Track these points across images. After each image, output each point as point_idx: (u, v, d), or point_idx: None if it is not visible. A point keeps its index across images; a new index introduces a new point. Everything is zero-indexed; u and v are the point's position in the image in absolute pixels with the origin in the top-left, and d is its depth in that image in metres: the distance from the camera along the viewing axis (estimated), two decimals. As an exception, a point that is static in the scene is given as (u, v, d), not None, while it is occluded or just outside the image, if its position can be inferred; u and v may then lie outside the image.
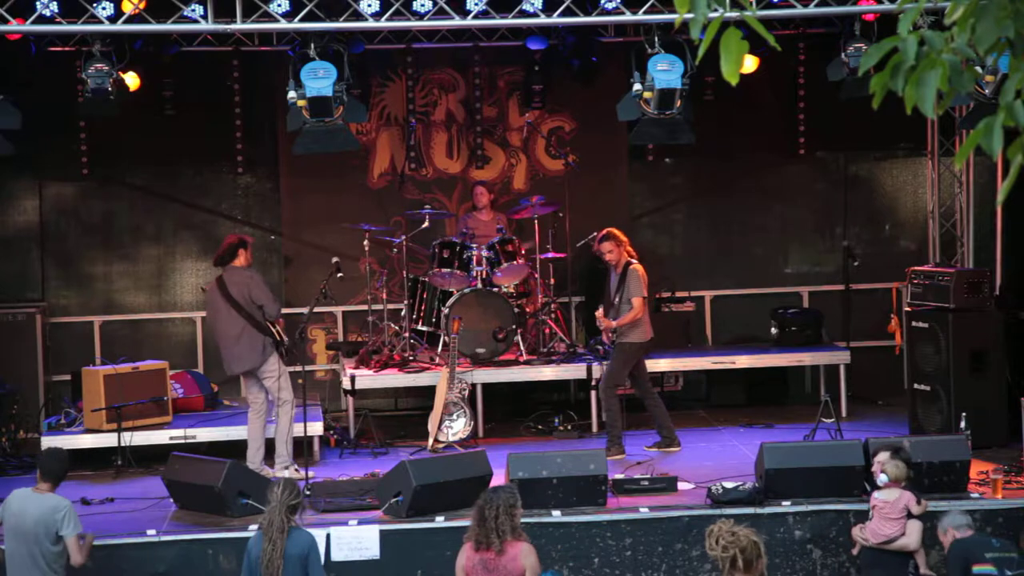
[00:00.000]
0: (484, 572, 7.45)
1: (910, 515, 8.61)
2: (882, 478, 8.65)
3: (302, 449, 10.64)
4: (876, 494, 8.72)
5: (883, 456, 8.72)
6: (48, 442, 11.19)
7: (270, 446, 11.07)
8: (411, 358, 12.85)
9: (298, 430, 10.79)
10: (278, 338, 10.93)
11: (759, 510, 9.39)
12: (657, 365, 12.62)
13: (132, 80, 12.33)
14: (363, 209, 13.81)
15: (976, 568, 7.84)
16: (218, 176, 14.12)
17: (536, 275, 13.17)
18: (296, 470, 10.71)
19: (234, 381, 13.86)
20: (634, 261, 11.43)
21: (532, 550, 7.60)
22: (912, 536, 8.60)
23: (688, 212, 14.53)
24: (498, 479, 9.50)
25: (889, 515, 8.62)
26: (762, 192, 14.48)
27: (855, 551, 9.01)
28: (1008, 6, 3.84)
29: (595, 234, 13.26)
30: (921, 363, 11.64)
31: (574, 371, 12.72)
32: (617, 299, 11.36)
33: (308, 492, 10.06)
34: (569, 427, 12.55)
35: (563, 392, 13.78)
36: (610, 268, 11.62)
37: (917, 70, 3.92)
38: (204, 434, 11.70)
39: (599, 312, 11.42)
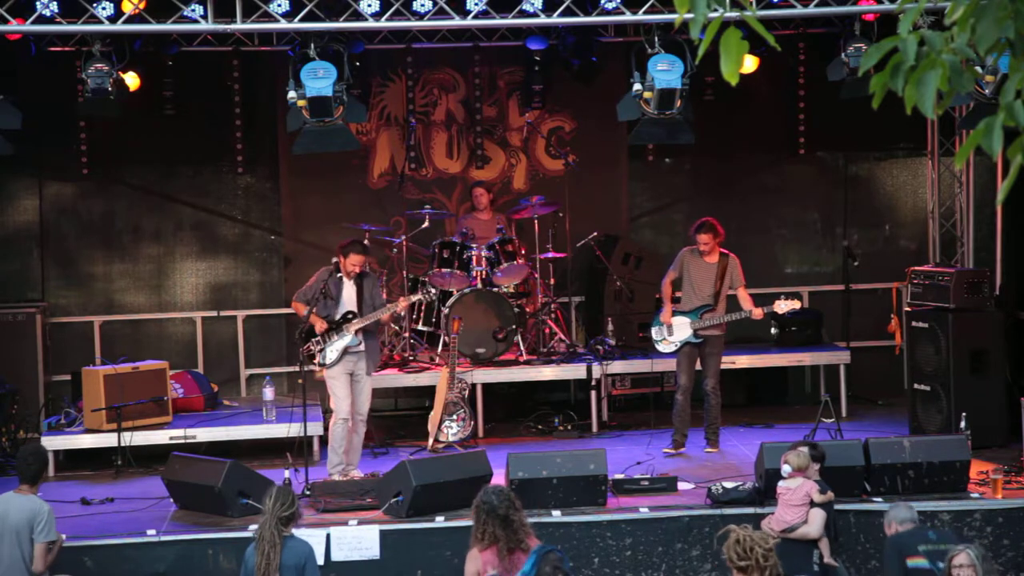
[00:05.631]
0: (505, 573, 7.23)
1: (813, 504, 8.69)
2: (785, 468, 8.80)
3: (302, 449, 10.64)
4: (780, 483, 8.86)
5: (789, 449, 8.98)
6: (47, 442, 11.22)
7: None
8: (411, 358, 12.86)
9: (298, 430, 10.78)
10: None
11: (759, 510, 9.38)
12: (658, 365, 12.62)
13: (132, 80, 12.34)
14: (363, 209, 13.81)
15: (910, 561, 7.89)
16: (218, 176, 14.12)
17: (536, 275, 13.17)
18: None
19: (234, 381, 13.89)
20: (728, 253, 11.48)
21: None
22: (813, 524, 8.67)
23: (688, 212, 14.48)
24: (498, 479, 9.49)
25: (791, 502, 8.72)
26: (762, 192, 14.48)
27: None
28: (1008, 6, 3.83)
29: (595, 233, 13.32)
30: (921, 363, 11.64)
31: (574, 371, 12.71)
32: (719, 286, 11.34)
33: (308, 492, 10.07)
34: (569, 427, 12.55)
35: (563, 392, 13.77)
36: (694, 259, 11.43)
37: (917, 70, 3.92)
38: (204, 434, 11.70)
39: (759, 309, 11.22)
